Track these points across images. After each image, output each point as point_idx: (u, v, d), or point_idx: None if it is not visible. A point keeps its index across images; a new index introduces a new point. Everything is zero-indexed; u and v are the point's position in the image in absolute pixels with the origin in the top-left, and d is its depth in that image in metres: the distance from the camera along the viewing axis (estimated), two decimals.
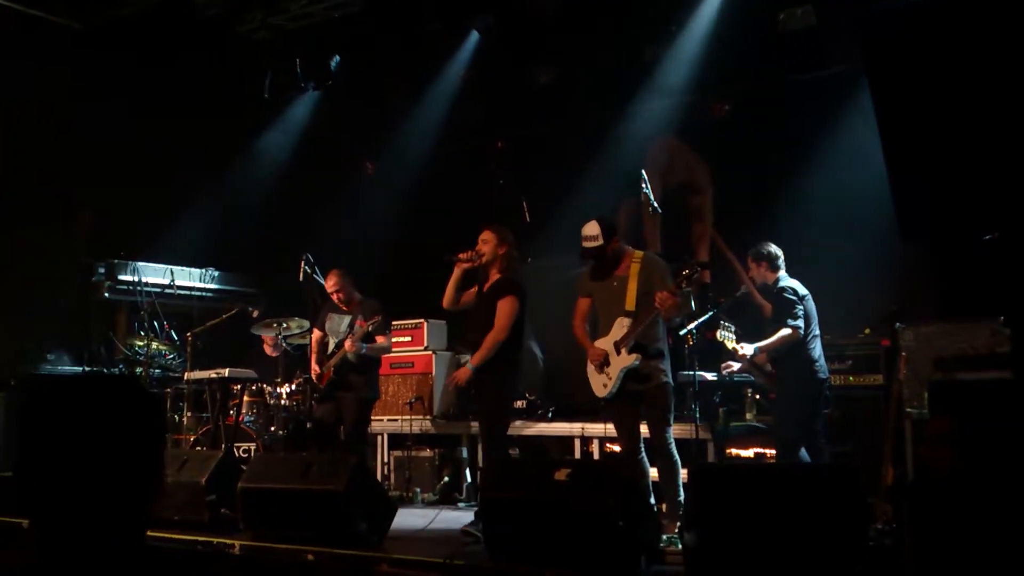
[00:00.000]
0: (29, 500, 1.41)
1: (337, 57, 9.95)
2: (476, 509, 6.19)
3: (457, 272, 6.57)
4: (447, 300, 6.68)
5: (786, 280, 6.72)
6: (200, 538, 5.94)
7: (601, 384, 6.06)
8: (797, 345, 6.49)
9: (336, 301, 7.69)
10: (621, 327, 5.97)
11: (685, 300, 5.94)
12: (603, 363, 6.01)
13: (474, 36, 9.48)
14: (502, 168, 9.93)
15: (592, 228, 6.04)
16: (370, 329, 7.40)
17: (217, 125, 10.08)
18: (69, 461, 1.39)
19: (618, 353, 5.96)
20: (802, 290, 6.65)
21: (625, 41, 8.99)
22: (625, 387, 5.97)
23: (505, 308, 6.34)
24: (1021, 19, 4.89)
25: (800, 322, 6.49)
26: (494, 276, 6.53)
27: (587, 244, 6.06)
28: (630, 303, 5.99)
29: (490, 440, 6.49)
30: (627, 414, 6.07)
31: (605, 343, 6.05)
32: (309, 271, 7.79)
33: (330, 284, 7.68)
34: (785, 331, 6.48)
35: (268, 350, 8.92)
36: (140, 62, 9.41)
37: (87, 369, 8.88)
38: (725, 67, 8.63)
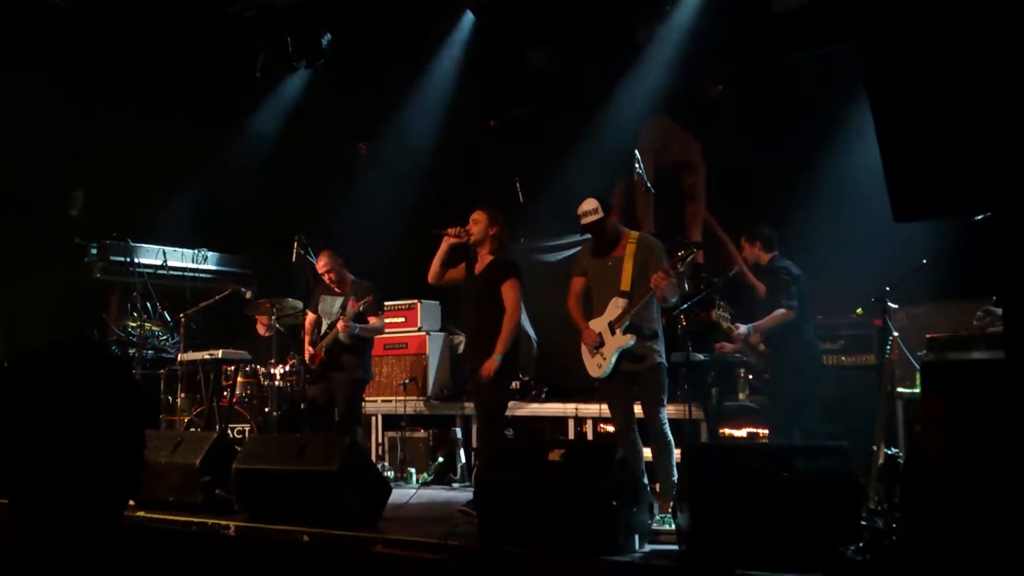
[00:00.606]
0: (3, 477, 1.38)
1: (328, 35, 9.90)
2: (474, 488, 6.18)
3: (444, 246, 6.61)
4: (432, 274, 6.72)
5: (780, 260, 6.73)
6: (195, 519, 5.95)
7: (596, 364, 6.08)
8: (791, 325, 6.51)
9: (328, 282, 7.70)
10: (616, 307, 5.98)
11: (679, 280, 5.95)
12: (598, 344, 6.02)
13: (468, 16, 9.42)
14: (495, 149, 9.92)
15: (590, 203, 6.05)
16: (362, 309, 7.41)
17: (209, 104, 10.03)
18: (40, 435, 1.36)
19: (612, 333, 5.97)
20: (796, 270, 6.67)
21: (618, 20, 8.96)
22: (619, 367, 5.98)
23: (511, 292, 6.40)
24: None
25: (795, 302, 6.51)
26: (486, 257, 6.55)
27: (586, 220, 6.06)
28: (625, 283, 6.00)
29: (491, 421, 6.50)
30: (621, 394, 6.09)
31: (599, 323, 6.06)
32: (302, 252, 7.79)
33: (321, 265, 7.68)
34: (780, 311, 6.50)
35: (261, 330, 8.92)
36: (130, 41, 9.34)
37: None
38: (718, 46, 8.61)
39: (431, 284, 6.82)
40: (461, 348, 8.99)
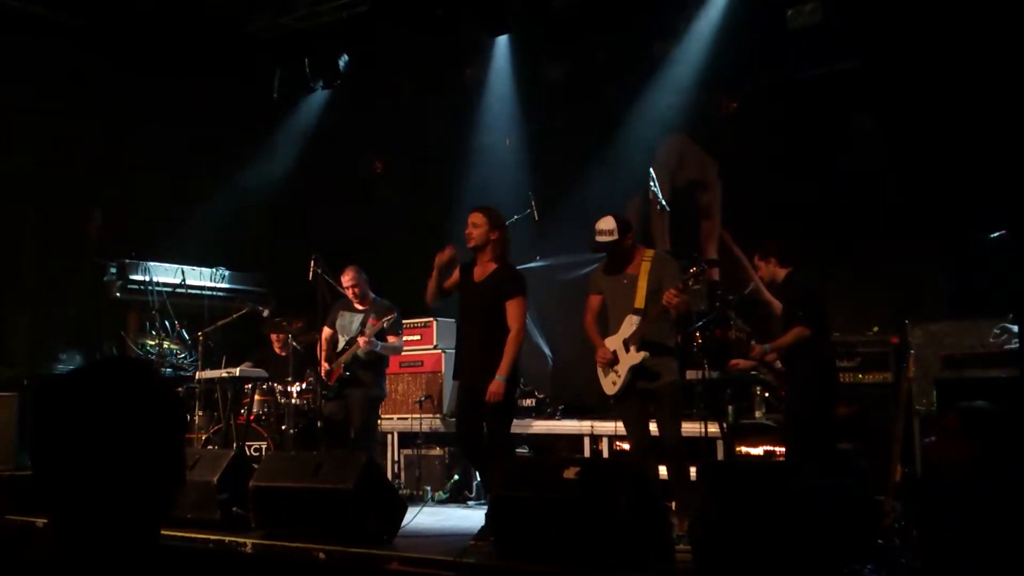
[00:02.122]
0: (46, 496, 1.38)
1: (346, 56, 9.98)
2: (486, 512, 6.06)
3: (435, 278, 6.29)
4: (429, 296, 6.41)
5: (796, 276, 6.69)
6: (212, 537, 5.97)
7: (610, 382, 6.07)
8: (807, 342, 6.44)
9: (351, 296, 7.72)
10: (630, 325, 5.98)
11: (693, 298, 5.93)
12: (612, 361, 6.02)
13: (483, 34, 9.48)
14: (510, 166, 9.96)
15: (608, 223, 6.03)
16: (385, 327, 7.43)
17: (227, 124, 10.11)
18: (83, 453, 1.35)
19: (627, 351, 5.97)
20: (812, 286, 6.61)
21: (634, 37, 9.00)
22: (634, 385, 5.97)
23: (517, 310, 6.07)
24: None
25: (811, 320, 6.45)
26: (489, 264, 6.20)
27: (601, 238, 6.03)
28: (639, 301, 5.99)
29: (502, 437, 6.32)
30: (636, 412, 6.07)
31: (614, 341, 6.05)
32: (319, 270, 7.82)
33: (346, 279, 7.70)
34: (796, 329, 6.44)
35: (277, 349, 8.96)
36: (148, 60, 9.43)
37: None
38: (733, 64, 8.63)
39: (428, 304, 6.54)
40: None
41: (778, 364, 6.70)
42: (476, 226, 6.15)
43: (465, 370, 6.28)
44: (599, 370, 6.15)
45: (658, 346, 5.95)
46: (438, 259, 6.22)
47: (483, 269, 6.22)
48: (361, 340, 7.34)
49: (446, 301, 6.62)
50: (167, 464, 1.42)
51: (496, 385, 5.96)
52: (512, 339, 6.04)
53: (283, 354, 8.75)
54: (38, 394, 1.42)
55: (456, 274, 6.36)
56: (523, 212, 7.89)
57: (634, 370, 5.93)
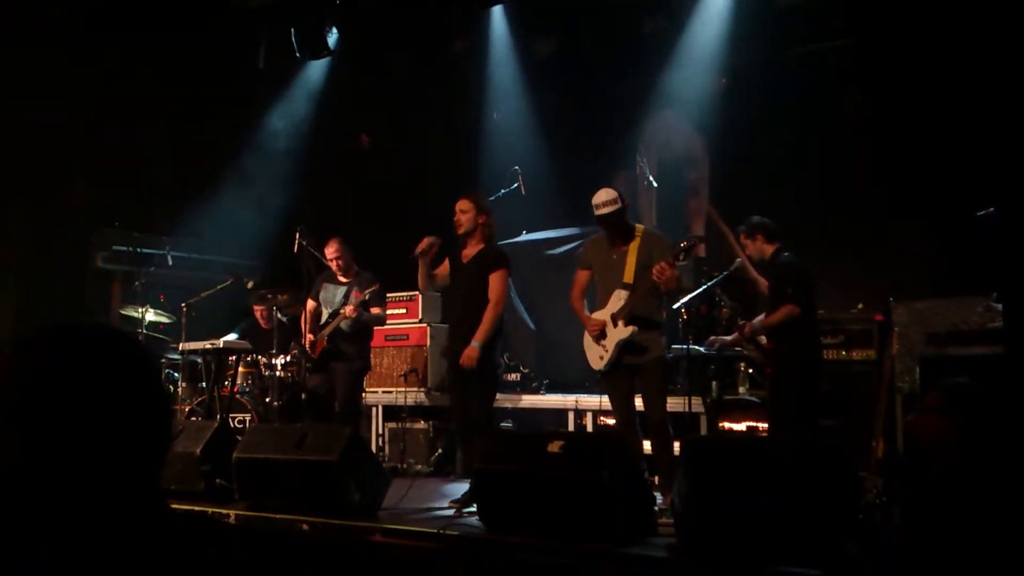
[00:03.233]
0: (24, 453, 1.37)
1: (335, 29, 9.88)
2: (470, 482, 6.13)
3: (422, 268, 6.46)
4: (422, 286, 6.67)
5: (785, 254, 6.68)
6: (195, 508, 5.96)
7: (597, 356, 6.09)
8: (796, 320, 6.44)
9: (334, 268, 7.71)
10: (618, 299, 5.99)
11: (682, 273, 5.94)
12: (600, 335, 6.03)
13: (470, 8, 9.41)
14: (497, 140, 9.92)
15: (608, 193, 6.01)
16: (367, 298, 7.44)
17: (213, 95, 10.02)
18: (55, 407, 1.35)
19: (615, 325, 5.98)
20: (800, 264, 6.61)
21: (624, 13, 8.95)
22: (621, 359, 5.99)
23: (499, 282, 6.29)
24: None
25: (799, 297, 6.43)
26: (475, 247, 6.43)
27: (605, 210, 6.00)
28: (628, 276, 6.00)
29: (484, 412, 6.42)
30: (622, 387, 6.10)
31: (602, 315, 6.07)
32: (304, 242, 7.79)
33: (330, 251, 7.70)
34: (786, 307, 6.43)
35: (262, 322, 8.94)
36: (131, 32, 9.32)
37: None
38: (724, 40, 8.60)
39: (422, 290, 6.72)
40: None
41: (763, 340, 6.71)
42: (464, 212, 6.36)
43: (453, 346, 6.45)
44: (587, 344, 6.17)
45: (645, 321, 5.97)
46: (417, 251, 6.36)
47: (471, 251, 6.43)
48: (347, 309, 7.35)
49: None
50: (144, 412, 1.42)
51: (470, 349, 6.16)
52: (490, 308, 6.24)
53: (267, 327, 8.72)
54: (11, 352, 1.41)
55: (446, 263, 6.55)
56: (509, 187, 7.88)
57: (621, 344, 5.95)
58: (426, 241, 6.36)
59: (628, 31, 8.98)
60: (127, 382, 1.41)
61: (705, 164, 9.18)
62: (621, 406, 6.13)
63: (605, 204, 6.01)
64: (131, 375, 1.42)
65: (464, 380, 6.33)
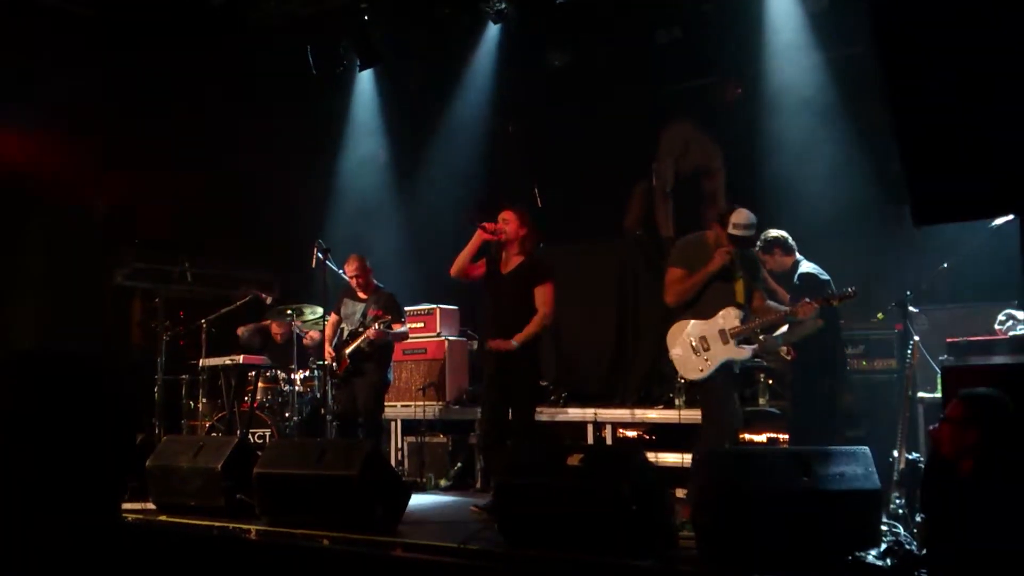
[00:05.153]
0: None
1: (357, 56, 9.88)
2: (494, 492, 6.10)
3: (476, 240, 6.55)
4: (457, 267, 6.60)
5: (806, 265, 6.63)
6: (216, 523, 5.99)
7: (696, 367, 5.91)
8: (819, 331, 6.37)
9: (354, 285, 7.75)
10: (732, 317, 5.88)
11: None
12: (701, 345, 5.90)
13: (487, 21, 9.43)
14: (513, 152, 9.93)
15: (752, 217, 5.91)
16: (387, 320, 7.44)
17: (228, 111, 10.07)
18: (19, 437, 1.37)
19: (725, 342, 5.87)
20: (823, 275, 6.56)
21: (638, 24, 8.95)
22: (719, 374, 5.88)
23: (548, 294, 6.42)
24: None
25: (824, 310, 6.35)
26: (516, 258, 6.55)
27: (747, 233, 5.90)
28: (740, 296, 5.95)
29: (525, 419, 6.42)
30: (719, 398, 5.93)
31: (708, 327, 5.92)
32: (322, 257, 7.82)
33: (351, 269, 7.73)
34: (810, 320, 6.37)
35: (277, 338, 8.98)
36: (146, 50, 9.40)
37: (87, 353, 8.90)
38: (738, 49, 8.59)
39: (452, 276, 6.68)
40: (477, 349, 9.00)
41: (785, 350, 6.66)
42: (507, 222, 6.51)
43: (492, 357, 6.50)
44: (683, 351, 5.95)
45: (766, 343, 6.07)
46: (488, 227, 6.46)
47: (510, 262, 6.56)
48: (371, 332, 7.37)
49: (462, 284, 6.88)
50: (99, 446, 1.43)
51: (506, 343, 6.28)
52: (539, 316, 6.37)
53: (280, 342, 8.78)
54: None
55: (483, 264, 6.63)
56: (526, 199, 7.89)
57: (728, 363, 5.87)
58: (494, 226, 6.48)
59: (643, 41, 8.95)
60: (70, 411, 1.42)
61: (722, 175, 9.15)
62: (719, 419, 5.97)
63: (747, 227, 5.88)
64: (76, 404, 1.43)
65: (503, 388, 6.40)
